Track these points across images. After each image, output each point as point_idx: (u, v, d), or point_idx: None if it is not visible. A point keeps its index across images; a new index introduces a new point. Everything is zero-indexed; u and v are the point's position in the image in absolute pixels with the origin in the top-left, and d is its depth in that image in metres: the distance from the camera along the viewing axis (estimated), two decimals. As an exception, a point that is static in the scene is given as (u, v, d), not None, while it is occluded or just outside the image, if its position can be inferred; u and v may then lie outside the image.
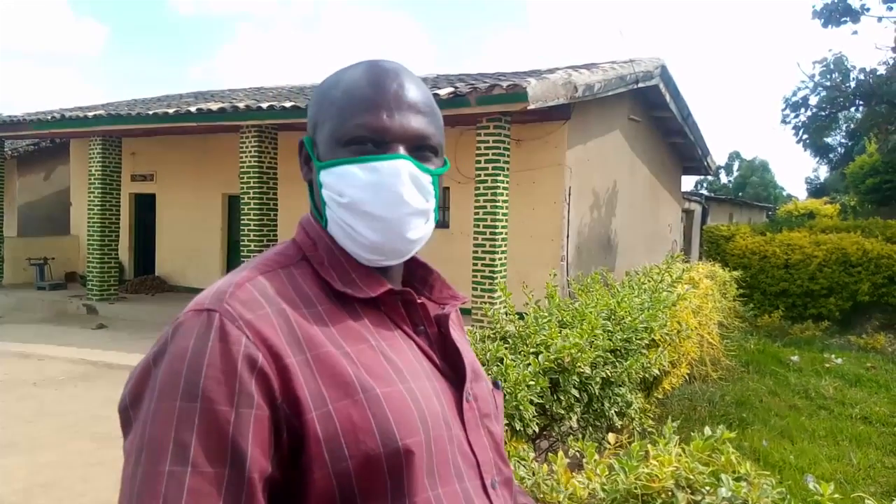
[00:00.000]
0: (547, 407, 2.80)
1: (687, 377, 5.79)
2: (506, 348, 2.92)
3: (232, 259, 12.08)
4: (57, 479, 4.16)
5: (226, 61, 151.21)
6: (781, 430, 5.37)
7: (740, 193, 39.60)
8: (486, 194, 7.75)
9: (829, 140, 28.46)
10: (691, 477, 1.77)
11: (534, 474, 1.91)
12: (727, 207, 20.68)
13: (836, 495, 1.74)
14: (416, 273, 0.96)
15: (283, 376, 0.72)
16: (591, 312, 3.54)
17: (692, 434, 2.05)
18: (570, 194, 8.94)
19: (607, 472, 1.89)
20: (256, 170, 9.46)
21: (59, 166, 15.04)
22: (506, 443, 2.20)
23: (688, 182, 34.33)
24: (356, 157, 0.81)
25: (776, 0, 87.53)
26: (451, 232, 9.51)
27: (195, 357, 0.70)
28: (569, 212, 8.94)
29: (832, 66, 12.61)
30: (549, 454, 2.23)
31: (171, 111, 9.78)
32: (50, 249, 13.15)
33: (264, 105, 8.95)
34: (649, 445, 1.92)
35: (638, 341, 3.67)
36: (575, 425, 3.07)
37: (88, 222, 11.09)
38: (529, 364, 2.75)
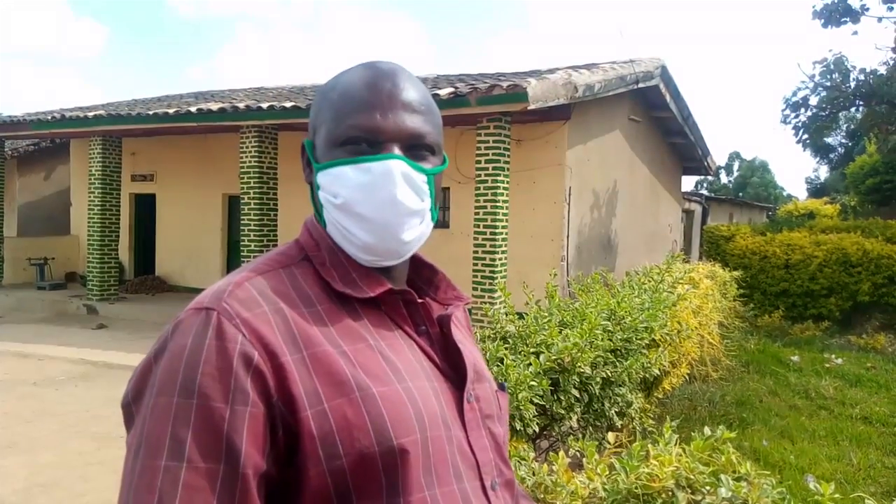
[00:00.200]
0: (547, 407, 2.80)
1: (687, 377, 5.79)
2: (506, 348, 2.92)
3: (232, 259, 12.08)
4: (57, 479, 4.16)
5: (226, 61, 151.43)
6: (781, 430, 5.37)
7: (740, 193, 39.60)
8: (486, 194, 7.75)
9: (829, 140, 28.48)
10: (692, 477, 1.77)
11: (534, 474, 1.91)
12: (727, 207, 20.68)
13: (837, 495, 1.74)
14: (422, 273, 0.96)
15: (278, 374, 0.72)
16: (591, 312, 3.54)
17: (692, 434, 2.05)
18: (570, 194, 8.94)
19: (608, 472, 1.90)
20: (256, 170, 9.47)
21: (59, 166, 15.05)
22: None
23: (688, 182, 34.37)
24: (350, 157, 0.82)
25: (776, 0, 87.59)
26: (452, 232, 9.51)
27: (193, 354, 0.71)
28: (569, 212, 8.94)
29: (832, 67, 12.60)
30: (550, 454, 2.23)
31: (171, 111, 9.79)
32: (50, 249, 13.16)
33: (264, 105, 8.96)
34: (650, 445, 1.92)
35: (638, 341, 3.67)
36: (575, 425, 3.07)
37: (88, 222, 11.09)
38: (530, 364, 2.75)
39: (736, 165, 46.77)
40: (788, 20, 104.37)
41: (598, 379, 3.10)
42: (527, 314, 3.58)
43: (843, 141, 29.70)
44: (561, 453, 2.00)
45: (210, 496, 0.67)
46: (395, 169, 0.81)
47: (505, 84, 7.17)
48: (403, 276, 0.92)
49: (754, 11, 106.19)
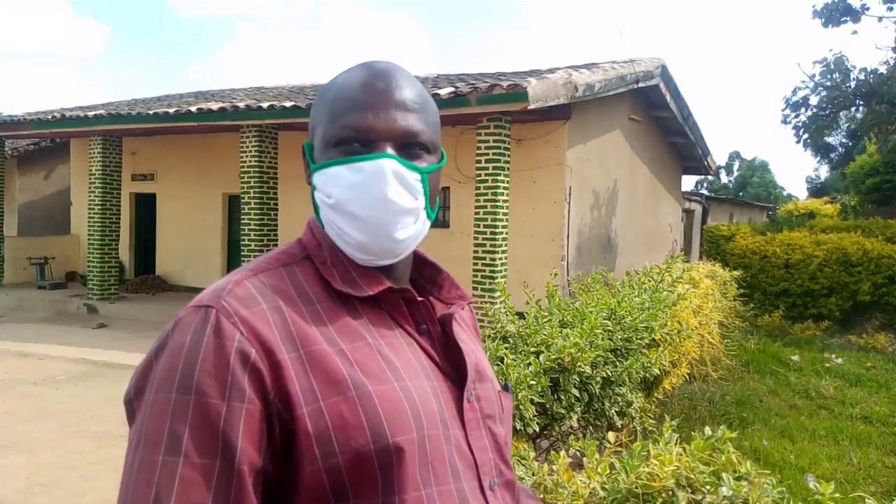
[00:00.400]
0: (547, 406, 2.80)
1: (687, 377, 5.79)
2: (506, 348, 2.92)
3: (232, 259, 12.08)
4: (57, 479, 4.16)
5: (226, 61, 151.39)
6: (782, 430, 5.37)
7: (741, 193, 39.60)
8: (486, 194, 7.75)
9: (829, 140, 28.45)
10: (692, 476, 1.77)
11: (534, 474, 1.91)
12: (727, 207, 20.68)
13: (837, 495, 1.74)
14: (426, 273, 0.97)
15: (275, 372, 0.73)
16: (591, 312, 3.54)
17: (692, 434, 2.05)
18: (570, 194, 8.94)
19: (608, 472, 1.90)
20: (257, 169, 9.47)
21: (60, 166, 15.05)
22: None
23: (688, 182, 34.42)
24: (343, 157, 0.82)
25: (776, 0, 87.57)
26: (452, 231, 9.51)
27: (191, 351, 0.72)
28: (569, 211, 8.94)
29: (832, 66, 12.59)
30: (550, 453, 2.23)
31: (171, 111, 9.79)
32: (50, 249, 13.17)
33: (265, 105, 8.95)
34: (650, 445, 1.92)
35: (638, 341, 3.67)
36: (575, 425, 3.07)
37: (89, 222, 11.09)
38: (530, 364, 2.75)
39: (736, 165, 46.78)
40: (788, 20, 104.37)
41: (598, 378, 3.10)
42: (527, 314, 3.58)
43: (844, 141, 29.70)
44: (561, 453, 2.00)
45: (206, 491, 0.68)
46: (387, 168, 0.81)
47: (505, 84, 7.17)
48: (405, 276, 0.92)
49: (754, 11, 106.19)
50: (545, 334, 3.06)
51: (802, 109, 13.15)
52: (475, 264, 7.80)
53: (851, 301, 10.62)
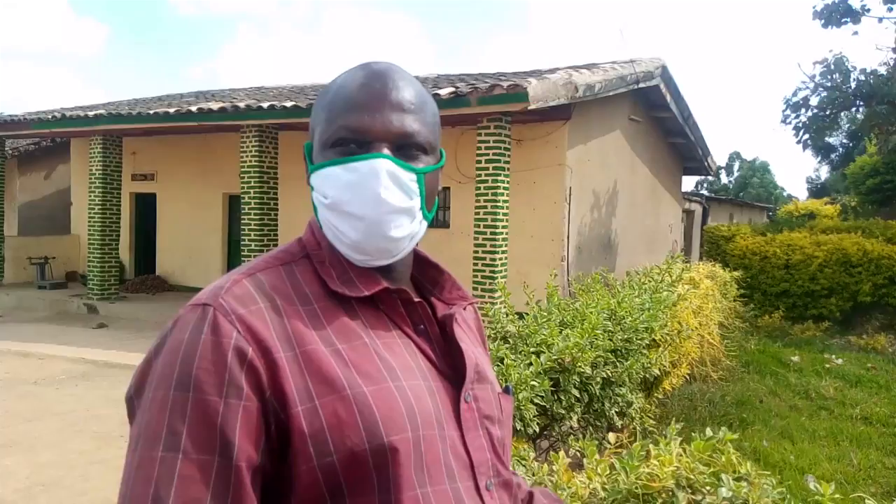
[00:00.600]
0: (547, 407, 2.80)
1: (687, 377, 5.79)
2: (506, 348, 2.92)
3: (232, 259, 12.09)
4: (58, 478, 4.16)
5: (226, 61, 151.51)
6: (782, 431, 5.37)
7: (741, 194, 39.56)
8: (486, 194, 7.75)
9: (830, 140, 28.41)
10: (692, 477, 1.77)
11: (534, 474, 1.91)
12: (728, 208, 20.67)
13: (837, 495, 1.74)
14: (428, 273, 0.97)
15: (271, 370, 0.74)
16: (591, 312, 3.54)
17: (693, 434, 2.05)
18: (570, 194, 8.94)
19: (608, 472, 1.89)
20: (257, 169, 9.47)
21: (60, 165, 15.05)
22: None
23: (688, 182, 34.41)
24: (339, 158, 0.83)
25: (776, 0, 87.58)
26: (452, 231, 9.51)
27: (188, 349, 0.73)
28: (569, 212, 8.94)
29: (833, 67, 12.57)
30: (550, 454, 2.23)
31: (171, 111, 9.79)
32: (50, 249, 13.17)
33: (265, 105, 8.96)
34: (650, 445, 1.92)
35: (638, 341, 3.67)
36: (575, 425, 3.07)
37: (89, 221, 11.09)
38: (530, 364, 2.75)
39: (736, 166, 46.74)
40: (789, 21, 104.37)
41: (598, 379, 3.10)
42: (527, 314, 3.58)
43: (844, 141, 29.67)
44: (561, 453, 2.00)
45: (204, 487, 0.69)
46: (381, 168, 0.81)
47: (505, 84, 7.17)
48: (404, 276, 0.92)
49: (754, 12, 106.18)
50: (545, 334, 3.06)
51: (803, 110, 13.13)
52: (475, 264, 7.80)
53: (852, 302, 10.62)
